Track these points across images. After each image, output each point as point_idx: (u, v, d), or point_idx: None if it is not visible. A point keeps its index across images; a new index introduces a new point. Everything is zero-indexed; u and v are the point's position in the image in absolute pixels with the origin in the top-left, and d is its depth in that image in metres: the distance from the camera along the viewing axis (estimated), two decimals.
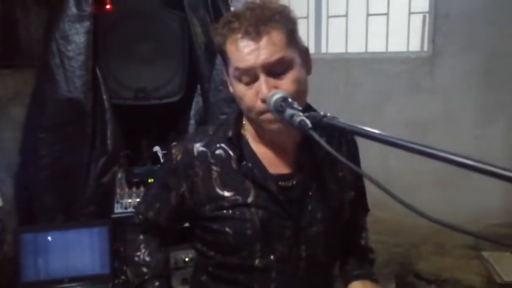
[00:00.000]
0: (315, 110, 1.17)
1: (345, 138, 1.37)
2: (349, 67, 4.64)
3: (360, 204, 1.48)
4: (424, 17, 4.51)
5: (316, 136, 0.97)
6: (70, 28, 2.29)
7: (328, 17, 4.78)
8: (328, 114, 1.03)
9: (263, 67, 1.12)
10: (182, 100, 2.54)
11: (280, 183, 1.24)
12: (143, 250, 1.42)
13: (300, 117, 1.02)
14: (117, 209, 2.15)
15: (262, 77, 1.13)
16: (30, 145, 2.34)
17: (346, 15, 4.73)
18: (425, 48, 4.51)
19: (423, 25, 4.52)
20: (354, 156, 1.38)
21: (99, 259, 2.13)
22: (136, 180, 2.28)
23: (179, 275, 2.14)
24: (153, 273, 1.40)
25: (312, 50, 4.70)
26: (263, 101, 1.12)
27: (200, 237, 1.33)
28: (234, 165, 1.25)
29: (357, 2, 4.69)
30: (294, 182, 1.25)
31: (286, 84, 1.15)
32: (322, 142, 0.96)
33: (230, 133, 1.26)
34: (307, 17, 4.74)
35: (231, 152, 1.26)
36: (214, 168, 1.26)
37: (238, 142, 1.26)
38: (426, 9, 4.49)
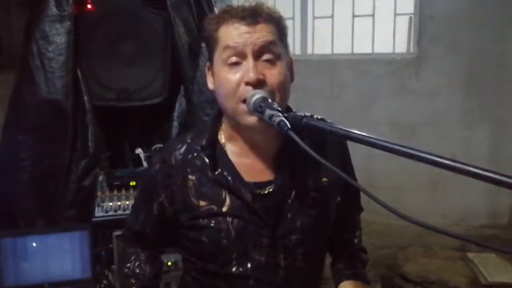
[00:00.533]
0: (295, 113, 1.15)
1: (332, 139, 1.32)
2: (335, 69, 4.64)
3: (354, 204, 1.45)
4: (410, 18, 4.52)
5: (295, 137, 0.95)
6: (51, 29, 2.25)
7: (314, 18, 4.78)
8: (317, 116, 1.03)
9: (254, 49, 1.13)
10: (165, 101, 2.51)
11: (256, 191, 1.22)
12: (132, 262, 1.42)
13: (280, 117, 1.00)
14: (98, 212, 2.10)
15: (251, 61, 1.12)
16: (10, 148, 2.29)
17: (332, 16, 4.73)
18: (411, 50, 4.52)
19: (409, 27, 4.53)
20: (343, 157, 1.34)
21: (80, 264, 2.09)
22: (117, 183, 2.24)
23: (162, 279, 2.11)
24: (140, 285, 1.40)
25: (298, 51, 4.72)
26: (248, 83, 1.11)
27: (182, 243, 1.32)
28: (209, 173, 1.23)
29: (343, 3, 4.69)
30: (271, 190, 1.22)
31: (273, 74, 1.15)
32: (301, 143, 0.93)
33: (203, 141, 1.25)
34: (293, 18, 4.73)
35: (206, 160, 1.24)
36: (190, 177, 1.24)
37: (212, 150, 1.24)
38: (412, 10, 4.50)
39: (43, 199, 2.29)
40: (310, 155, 0.92)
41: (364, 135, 0.85)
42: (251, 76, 1.11)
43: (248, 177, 1.23)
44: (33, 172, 2.27)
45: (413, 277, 3.75)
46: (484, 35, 4.22)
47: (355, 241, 1.48)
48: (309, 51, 4.81)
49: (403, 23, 4.57)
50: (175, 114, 2.52)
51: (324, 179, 1.29)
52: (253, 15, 1.14)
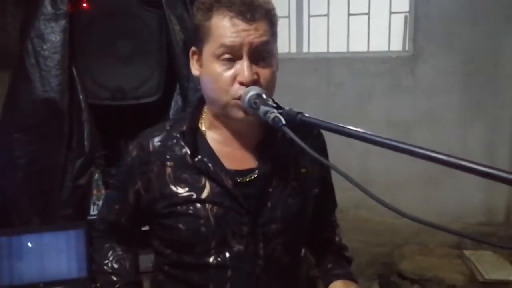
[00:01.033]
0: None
1: (311, 134, 1.34)
2: (331, 67, 4.64)
3: (330, 200, 1.47)
4: (406, 17, 4.53)
5: (289, 132, 0.95)
6: (46, 27, 2.24)
7: (310, 16, 4.77)
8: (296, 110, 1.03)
9: (250, 48, 1.11)
10: (161, 99, 2.50)
11: (237, 178, 1.21)
12: (110, 258, 1.39)
13: (274, 113, 1.01)
14: (93, 211, 2.10)
15: (246, 60, 1.11)
16: (5, 146, 2.28)
17: (327, 15, 4.73)
18: (407, 48, 4.53)
19: (405, 25, 4.54)
20: (321, 151, 1.34)
21: (75, 263, 2.08)
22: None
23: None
24: (123, 281, 1.36)
25: (293, 49, 4.71)
26: (242, 83, 1.11)
27: (157, 234, 1.29)
28: (189, 160, 1.21)
29: (338, 1, 4.69)
30: (253, 178, 1.22)
31: (266, 73, 1.14)
32: (296, 139, 0.94)
33: (184, 127, 1.23)
34: (288, 17, 4.72)
35: (186, 147, 1.22)
36: (168, 163, 1.22)
37: (193, 137, 1.23)
38: (407, 9, 4.51)
39: (39, 197, 2.28)
40: (304, 149, 0.93)
41: (359, 131, 0.85)
42: (246, 77, 1.10)
43: (229, 164, 1.22)
44: (28, 171, 2.26)
45: (410, 275, 3.77)
46: (479, 33, 4.23)
47: (336, 239, 1.49)
48: (305, 50, 4.81)
49: (398, 21, 4.58)
50: (171, 112, 2.51)
51: (303, 170, 1.30)
52: (250, 10, 1.11)
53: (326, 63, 4.66)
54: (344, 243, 1.51)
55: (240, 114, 1.13)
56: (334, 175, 1.43)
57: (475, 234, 4.02)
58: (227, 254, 1.20)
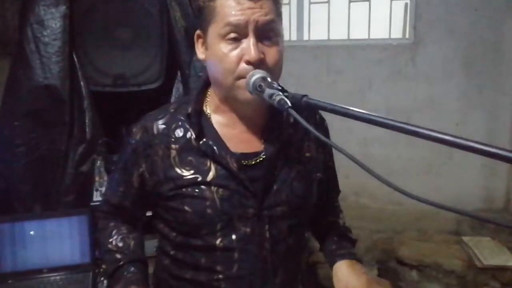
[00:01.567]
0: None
1: (314, 120, 1.36)
2: (331, 54, 4.63)
3: (333, 185, 1.48)
4: (406, 4, 4.51)
5: (295, 114, 0.95)
6: (46, 13, 2.22)
7: (310, 3, 4.75)
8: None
9: (256, 27, 1.11)
10: (162, 86, 2.50)
11: (243, 161, 1.21)
12: (114, 237, 1.39)
13: (280, 96, 1.00)
14: (96, 197, 2.10)
15: (252, 38, 1.11)
16: (6, 134, 2.28)
17: (328, 2, 4.70)
18: (407, 35, 4.51)
19: (405, 12, 4.52)
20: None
21: (79, 248, 2.08)
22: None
23: None
24: (128, 259, 1.36)
25: (294, 37, 4.69)
26: (248, 63, 1.10)
27: (162, 216, 1.29)
28: (194, 143, 1.21)
29: None
30: (258, 161, 1.23)
31: (273, 53, 1.14)
32: (302, 120, 0.94)
33: (189, 110, 1.23)
34: (289, 4, 4.70)
35: (190, 130, 1.22)
36: (173, 146, 1.22)
37: (198, 119, 1.23)
38: None
39: (41, 184, 2.29)
40: (309, 131, 0.94)
41: (364, 113, 0.85)
42: (253, 55, 1.10)
43: (234, 147, 1.22)
44: (30, 158, 2.26)
45: (409, 261, 3.80)
46: (480, 20, 4.21)
47: (340, 222, 1.51)
48: (305, 37, 4.79)
49: (399, 9, 4.55)
50: (172, 99, 2.51)
51: (307, 154, 1.31)
52: None
53: (327, 51, 4.64)
54: (348, 226, 1.52)
55: (247, 95, 1.13)
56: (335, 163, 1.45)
57: (475, 221, 4.06)
58: (233, 236, 1.21)
